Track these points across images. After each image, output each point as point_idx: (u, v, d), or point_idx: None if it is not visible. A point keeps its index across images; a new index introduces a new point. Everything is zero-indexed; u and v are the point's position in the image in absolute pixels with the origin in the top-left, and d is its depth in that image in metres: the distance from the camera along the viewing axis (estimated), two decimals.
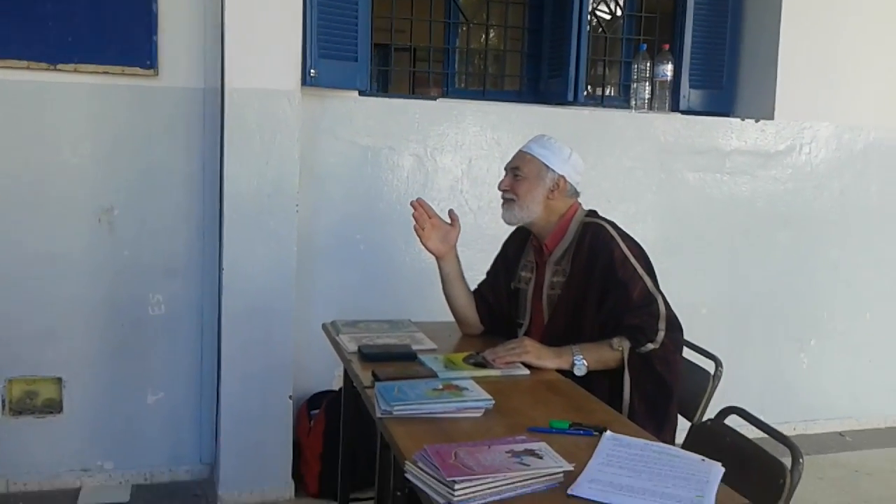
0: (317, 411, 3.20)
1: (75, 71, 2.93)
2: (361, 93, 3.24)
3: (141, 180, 3.09)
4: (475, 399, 1.71)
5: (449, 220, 2.40)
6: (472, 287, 2.51)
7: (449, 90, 3.73)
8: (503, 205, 2.33)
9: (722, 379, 2.22)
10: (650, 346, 2.08)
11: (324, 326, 2.50)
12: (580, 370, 2.06)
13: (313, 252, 3.23)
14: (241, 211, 2.95)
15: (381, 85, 3.86)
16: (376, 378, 1.88)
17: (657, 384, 2.08)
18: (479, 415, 1.68)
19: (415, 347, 2.18)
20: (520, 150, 2.36)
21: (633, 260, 2.16)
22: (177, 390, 3.23)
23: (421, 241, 2.38)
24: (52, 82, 2.93)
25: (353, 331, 2.37)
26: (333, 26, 3.01)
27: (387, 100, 3.38)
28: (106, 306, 3.12)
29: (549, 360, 2.08)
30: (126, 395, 3.18)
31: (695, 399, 2.16)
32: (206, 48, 3.03)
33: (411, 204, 2.38)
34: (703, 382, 2.19)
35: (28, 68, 2.89)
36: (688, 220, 3.74)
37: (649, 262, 2.21)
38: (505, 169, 2.37)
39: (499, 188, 2.34)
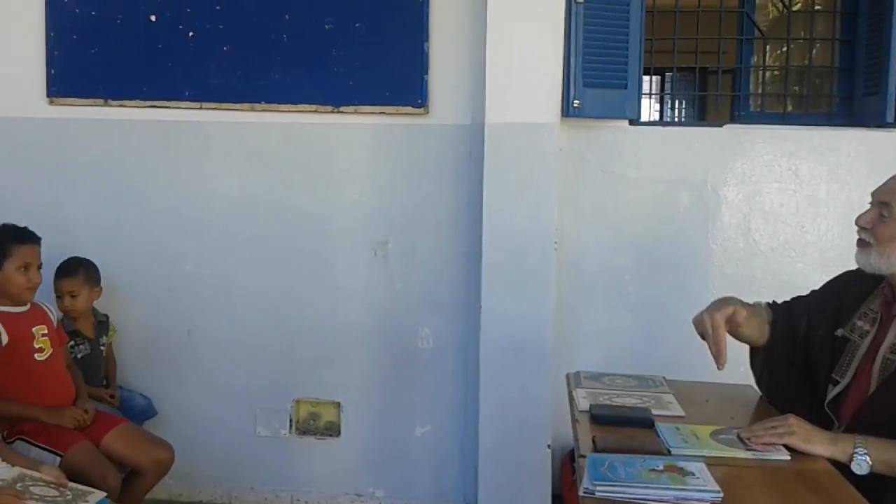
0: None
1: (356, 112, 3.10)
2: (632, 122, 3.01)
3: (412, 215, 3.16)
4: (699, 489, 1.40)
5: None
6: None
7: (742, 114, 3.32)
8: (858, 243, 1.88)
9: None
10: None
11: (567, 377, 2.30)
12: (860, 468, 1.60)
13: (576, 293, 3.05)
14: (498, 248, 2.88)
15: (698, 112, 3.56)
16: (594, 446, 1.64)
17: None
18: None
19: (656, 413, 1.89)
20: (894, 179, 1.86)
21: None
22: (443, 425, 3.23)
23: None
24: (335, 124, 3.13)
25: (593, 385, 2.13)
26: (600, 53, 2.84)
27: (661, 129, 3.09)
28: (380, 336, 3.23)
29: (821, 445, 1.65)
30: (396, 424, 3.25)
31: None
32: (474, 84, 3.02)
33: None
34: None
35: (315, 111, 3.11)
36: None
37: None
38: (872, 196, 1.89)
39: (856, 223, 1.88)
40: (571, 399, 2.07)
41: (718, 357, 1.88)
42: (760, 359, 2.12)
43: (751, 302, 2.07)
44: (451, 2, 3.00)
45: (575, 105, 2.81)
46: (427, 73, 3.03)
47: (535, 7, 2.78)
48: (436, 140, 3.10)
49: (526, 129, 2.82)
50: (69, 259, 3.02)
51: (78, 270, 3.00)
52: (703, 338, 1.96)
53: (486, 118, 2.83)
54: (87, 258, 3.05)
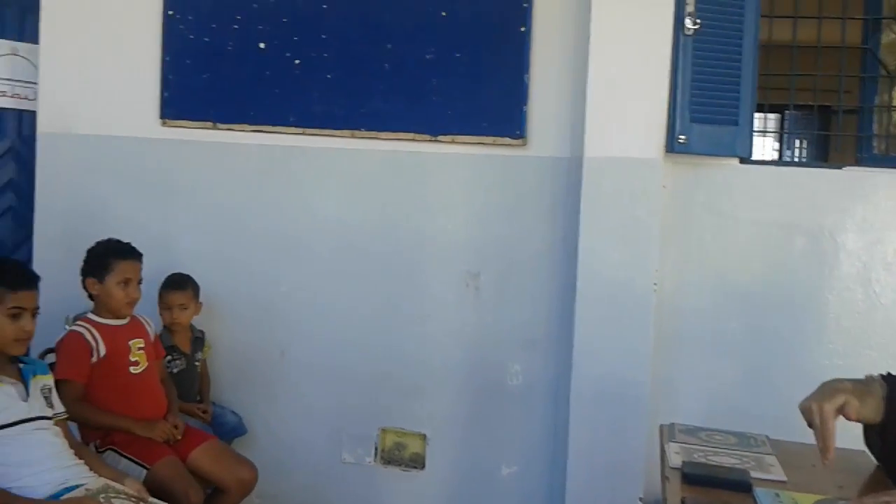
0: None
1: (453, 142, 3.08)
2: (743, 160, 2.85)
3: (505, 247, 3.09)
4: None
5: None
6: None
7: (865, 156, 3.10)
8: None
9: None
10: None
11: (661, 429, 2.16)
12: None
13: (677, 338, 2.89)
14: (594, 286, 2.77)
15: (820, 153, 3.38)
16: None
17: None
18: None
19: (755, 475, 1.74)
20: None
21: None
22: (530, 468, 3.11)
23: None
24: (432, 153, 3.11)
25: (689, 440, 1.99)
26: (709, 87, 2.71)
27: (774, 169, 2.94)
28: (468, 369, 3.17)
29: None
30: (482, 462, 3.17)
31: None
32: (574, 117, 2.94)
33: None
34: None
35: (413, 140, 3.11)
36: None
37: None
38: None
39: None
40: (663, 453, 1.94)
41: (826, 453, 1.72)
42: (876, 436, 1.93)
43: (863, 376, 1.88)
44: (553, 32, 2.95)
45: (680, 140, 2.69)
46: (526, 103, 2.98)
47: (641, 38, 2.70)
48: (533, 172, 3.03)
49: (627, 164, 2.72)
50: (177, 273, 3.11)
51: (188, 284, 3.09)
52: (811, 426, 1.80)
53: (585, 152, 2.75)
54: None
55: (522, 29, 2.95)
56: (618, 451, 2.79)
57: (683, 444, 1.93)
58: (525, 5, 2.95)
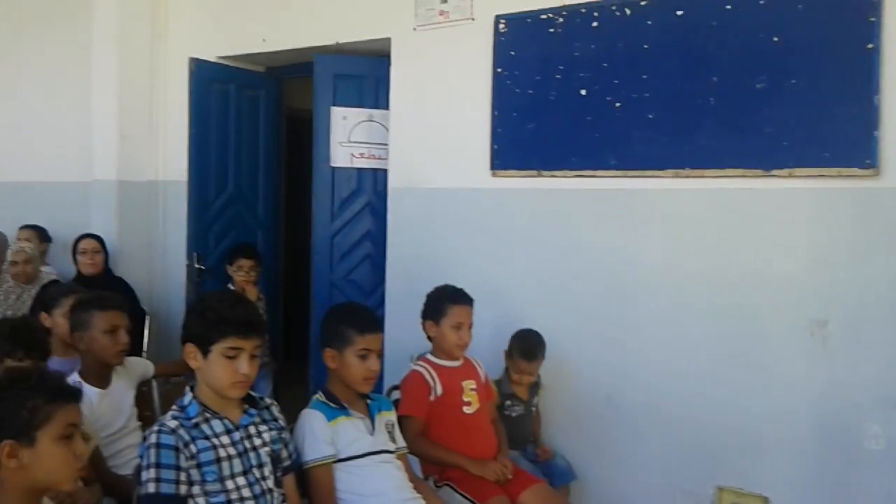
0: None
1: (789, 176, 2.82)
2: None
3: (857, 292, 2.75)
4: None
5: None
6: None
7: None
8: None
9: None
10: None
11: None
12: None
13: None
14: None
15: None
16: None
17: None
18: None
19: None
20: None
21: None
22: None
23: None
24: (764, 188, 2.88)
25: None
26: None
27: None
28: (816, 429, 2.84)
29: None
30: None
31: None
32: None
33: None
34: None
35: (743, 176, 2.90)
36: None
37: None
38: None
39: None
40: None
41: None
42: None
43: None
44: None
45: None
46: (878, 128, 2.63)
47: None
48: (889, 205, 2.67)
49: None
50: (535, 338, 3.17)
51: (542, 352, 3.17)
52: None
53: None
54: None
55: (870, 46, 2.63)
56: None
57: None
58: (872, 19, 2.62)
